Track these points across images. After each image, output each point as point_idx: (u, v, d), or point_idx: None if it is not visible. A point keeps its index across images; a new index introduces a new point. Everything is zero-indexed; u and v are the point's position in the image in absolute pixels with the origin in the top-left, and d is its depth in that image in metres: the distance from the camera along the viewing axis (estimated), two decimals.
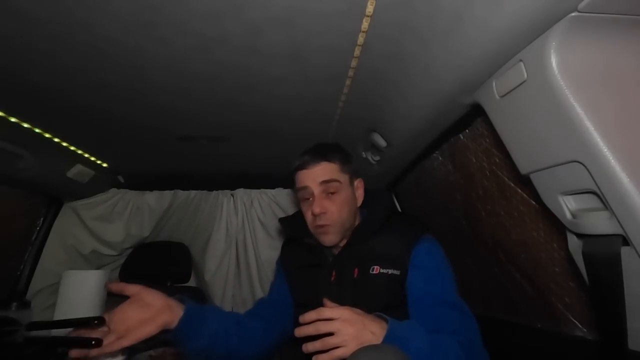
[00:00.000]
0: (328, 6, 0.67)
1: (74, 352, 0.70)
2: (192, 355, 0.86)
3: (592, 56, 0.60)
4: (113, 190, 1.90)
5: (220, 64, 0.86)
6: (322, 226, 0.98)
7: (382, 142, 1.26)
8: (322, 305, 0.76)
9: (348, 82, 0.96)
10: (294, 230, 1.10)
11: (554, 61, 0.60)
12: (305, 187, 0.99)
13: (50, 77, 0.90)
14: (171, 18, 0.70)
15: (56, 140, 1.28)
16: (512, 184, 1.02)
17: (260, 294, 1.98)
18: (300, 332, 0.75)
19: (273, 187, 2.04)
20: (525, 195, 0.99)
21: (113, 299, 0.81)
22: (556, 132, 0.63)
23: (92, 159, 1.52)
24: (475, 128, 1.06)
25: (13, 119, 1.09)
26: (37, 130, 1.18)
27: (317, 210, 0.96)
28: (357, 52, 0.82)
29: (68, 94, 0.99)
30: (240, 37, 0.76)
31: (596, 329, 0.92)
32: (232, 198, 2.05)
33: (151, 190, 1.96)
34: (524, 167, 0.75)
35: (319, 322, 0.73)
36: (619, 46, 0.61)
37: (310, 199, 0.99)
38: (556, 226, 0.90)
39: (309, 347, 0.73)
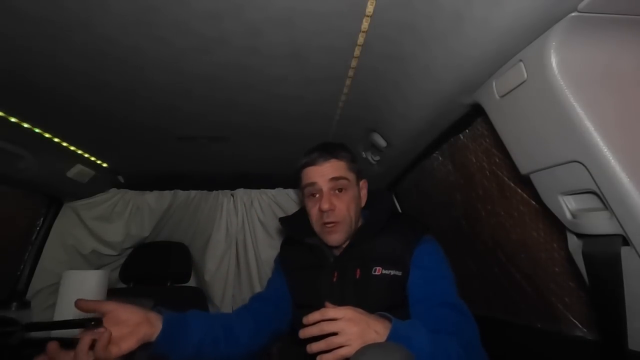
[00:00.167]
0: (328, 6, 0.67)
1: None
2: None
3: (592, 56, 0.60)
4: (113, 190, 1.90)
5: (220, 64, 0.86)
6: (329, 224, 0.97)
7: (382, 142, 1.26)
8: (323, 306, 0.76)
9: (348, 82, 0.96)
10: (295, 229, 1.09)
11: (554, 61, 0.60)
12: (313, 184, 0.99)
13: (50, 77, 0.90)
14: (171, 18, 0.70)
15: (56, 140, 1.28)
16: (512, 184, 1.02)
17: None
18: (304, 333, 0.75)
19: (273, 187, 2.05)
20: (525, 195, 0.99)
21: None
22: (556, 132, 0.63)
23: (92, 159, 1.52)
24: (475, 128, 1.07)
25: (13, 119, 1.09)
26: (37, 130, 1.18)
27: (325, 206, 0.96)
28: (357, 52, 0.82)
29: (68, 94, 0.99)
30: (240, 38, 0.76)
31: (596, 329, 0.92)
32: (232, 198, 2.05)
33: (151, 190, 1.96)
34: (524, 167, 0.75)
35: (323, 323, 0.73)
36: (619, 46, 0.61)
37: (318, 195, 0.99)
38: (556, 226, 0.90)
39: (313, 347, 0.73)
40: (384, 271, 0.95)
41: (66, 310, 1.13)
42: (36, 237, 1.74)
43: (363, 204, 1.07)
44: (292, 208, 1.97)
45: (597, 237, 0.66)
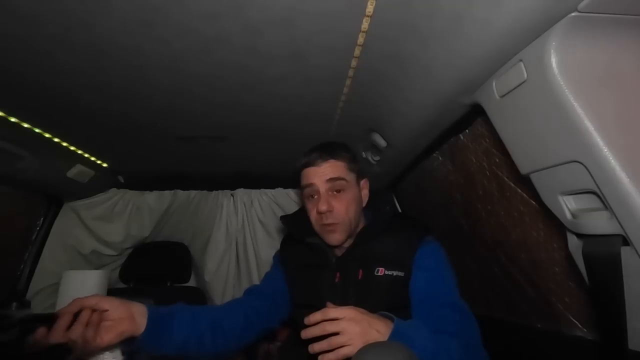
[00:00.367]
0: (328, 6, 0.67)
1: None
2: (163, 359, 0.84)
3: (592, 56, 0.60)
4: (113, 190, 1.90)
5: (220, 64, 0.86)
6: (328, 225, 0.97)
7: (382, 142, 1.26)
8: (325, 307, 0.76)
9: (348, 82, 0.96)
10: (296, 229, 1.09)
11: (554, 61, 0.60)
12: (311, 185, 0.98)
13: (50, 77, 0.90)
14: (171, 18, 0.70)
15: (56, 140, 1.28)
16: (512, 184, 1.02)
17: None
18: (307, 333, 0.75)
19: (273, 187, 2.05)
20: (525, 195, 0.99)
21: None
22: (556, 132, 0.63)
23: (92, 159, 1.52)
24: (475, 128, 1.06)
25: (13, 119, 1.09)
26: (37, 130, 1.18)
27: (323, 207, 0.95)
28: (357, 52, 0.82)
29: (68, 94, 0.99)
30: (240, 37, 0.76)
31: (596, 329, 0.92)
32: (232, 198, 2.05)
33: (151, 190, 1.96)
34: (524, 167, 0.75)
35: (324, 323, 0.73)
36: (619, 46, 0.61)
37: (316, 196, 0.98)
38: (556, 226, 0.90)
39: (315, 347, 0.73)
40: (386, 272, 0.95)
41: None
42: (36, 237, 1.74)
43: (364, 204, 1.06)
44: (292, 208, 1.97)
45: (597, 237, 0.66)
